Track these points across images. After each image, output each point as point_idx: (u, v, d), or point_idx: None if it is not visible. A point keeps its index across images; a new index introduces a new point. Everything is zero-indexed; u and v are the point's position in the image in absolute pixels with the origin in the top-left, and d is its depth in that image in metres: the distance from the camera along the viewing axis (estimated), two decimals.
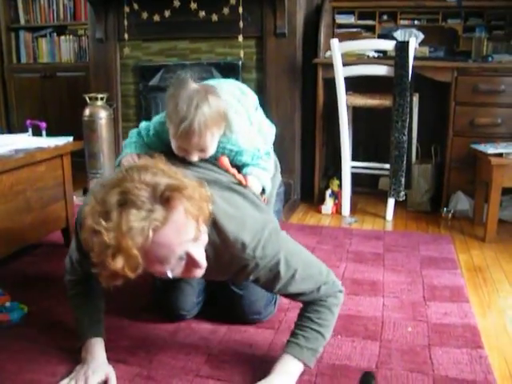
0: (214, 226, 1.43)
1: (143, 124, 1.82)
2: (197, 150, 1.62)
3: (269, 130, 2.12)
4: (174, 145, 1.64)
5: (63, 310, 1.93)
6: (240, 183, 1.65)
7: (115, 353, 1.72)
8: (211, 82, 1.91)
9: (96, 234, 1.19)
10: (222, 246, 1.45)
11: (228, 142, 1.72)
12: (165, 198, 1.20)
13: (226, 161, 1.69)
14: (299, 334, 1.56)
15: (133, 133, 1.83)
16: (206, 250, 1.38)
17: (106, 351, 1.67)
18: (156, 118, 1.79)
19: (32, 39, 4.75)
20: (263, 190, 1.77)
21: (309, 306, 1.59)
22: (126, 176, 1.22)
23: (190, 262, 1.31)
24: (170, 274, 1.31)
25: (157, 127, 1.74)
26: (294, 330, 1.59)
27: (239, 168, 1.76)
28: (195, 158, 1.64)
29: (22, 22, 4.76)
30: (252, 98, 1.99)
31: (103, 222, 1.18)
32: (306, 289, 1.54)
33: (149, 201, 1.18)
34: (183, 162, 1.64)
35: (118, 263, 1.19)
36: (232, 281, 1.81)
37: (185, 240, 1.25)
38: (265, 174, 1.78)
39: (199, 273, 1.37)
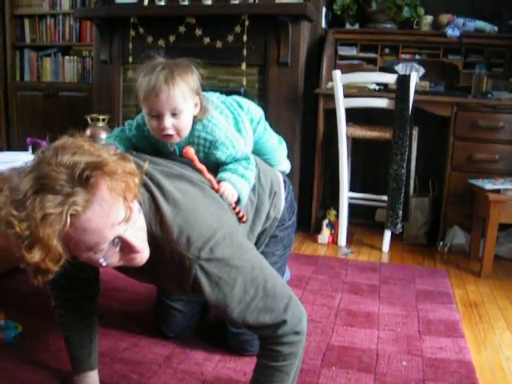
0: (158, 215, 1.30)
1: (128, 120, 1.74)
2: (168, 111, 1.48)
3: (278, 147, 1.99)
4: (146, 117, 1.54)
5: (58, 330, 1.92)
6: (211, 185, 1.48)
7: (108, 376, 1.71)
8: (209, 93, 1.81)
9: (9, 225, 1.07)
10: (163, 239, 1.29)
11: (203, 130, 1.58)
12: (84, 179, 1.07)
13: (191, 151, 1.51)
14: None
15: (116, 129, 1.76)
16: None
17: (99, 374, 1.66)
18: (140, 113, 1.69)
19: (37, 58, 4.80)
20: (238, 200, 1.56)
21: (262, 360, 1.42)
22: (43, 159, 1.09)
23: (125, 247, 1.17)
24: (103, 263, 1.17)
25: (139, 119, 1.66)
26: None
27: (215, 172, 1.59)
28: (168, 123, 1.49)
29: (28, 40, 4.82)
30: (254, 112, 1.86)
31: (15, 212, 1.06)
32: (263, 322, 1.33)
33: (68, 184, 1.05)
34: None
35: (36, 256, 1.06)
36: (181, 293, 1.64)
37: (114, 222, 1.11)
38: (242, 181, 1.59)
39: (139, 259, 1.23)
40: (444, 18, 3.57)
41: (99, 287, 1.69)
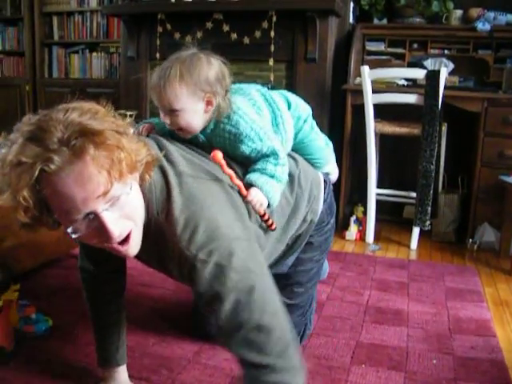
0: (167, 205, 1.23)
1: None
2: (166, 108, 1.46)
3: (324, 147, 1.91)
4: None
5: (87, 323, 1.93)
6: (239, 192, 1.40)
7: (138, 371, 1.72)
8: (250, 86, 1.74)
9: None
10: (167, 231, 1.22)
11: (228, 123, 1.51)
12: (72, 142, 1.03)
13: (219, 155, 1.39)
14: None
15: None
16: (145, 228, 1.22)
17: (129, 369, 1.67)
18: None
19: (65, 55, 4.85)
20: (268, 205, 1.49)
21: None
22: (52, 114, 1.08)
23: (100, 229, 1.10)
24: (72, 235, 1.12)
25: None
26: None
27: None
28: (167, 120, 1.47)
29: (56, 37, 4.87)
30: (302, 109, 1.80)
31: (2, 151, 1.07)
32: (245, 358, 1.19)
33: (58, 141, 1.03)
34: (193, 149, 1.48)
35: (4, 200, 1.06)
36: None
37: (90, 195, 1.05)
38: (272, 182, 1.50)
39: (122, 250, 1.17)
40: (474, 11, 3.51)
41: (125, 280, 1.67)
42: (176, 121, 1.47)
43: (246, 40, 3.47)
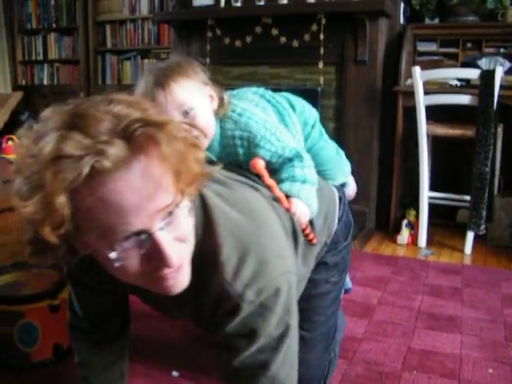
0: (208, 226, 0.98)
1: None
2: (176, 111, 1.24)
3: (335, 156, 1.68)
4: None
5: (140, 322, 1.96)
6: (280, 203, 1.20)
7: (189, 370, 1.74)
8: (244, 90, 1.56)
9: (17, 161, 0.79)
10: (208, 257, 0.97)
11: (236, 128, 1.33)
12: (130, 132, 0.75)
13: (260, 164, 1.22)
14: None
15: None
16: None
17: (181, 368, 1.70)
18: None
19: (117, 62, 4.98)
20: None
21: None
22: (91, 105, 0.80)
23: (154, 253, 0.81)
24: (116, 263, 0.81)
25: None
26: None
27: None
28: None
29: (109, 45, 5.00)
30: (308, 114, 1.63)
31: (31, 145, 0.78)
32: None
33: (109, 132, 0.75)
34: None
35: (30, 207, 0.74)
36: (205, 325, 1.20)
37: (150, 206, 0.78)
38: (307, 188, 1.30)
39: (172, 281, 0.87)
40: None
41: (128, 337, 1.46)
42: (194, 123, 1.18)
43: (295, 43, 3.47)
